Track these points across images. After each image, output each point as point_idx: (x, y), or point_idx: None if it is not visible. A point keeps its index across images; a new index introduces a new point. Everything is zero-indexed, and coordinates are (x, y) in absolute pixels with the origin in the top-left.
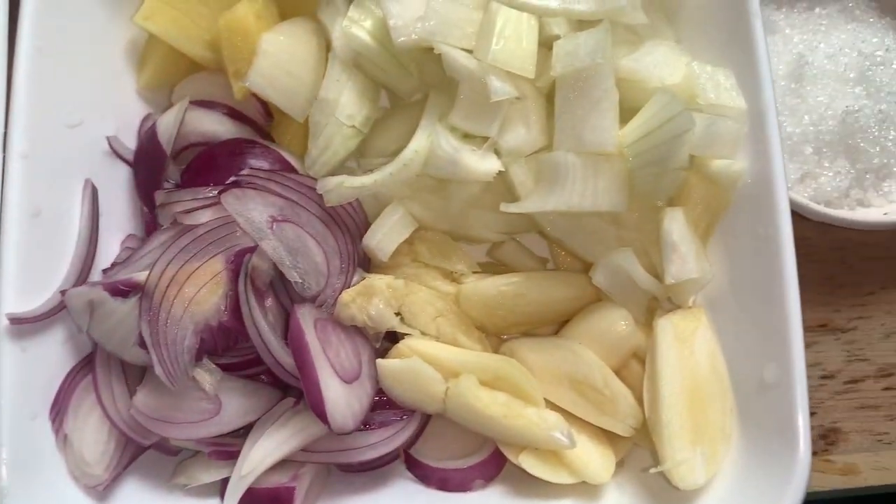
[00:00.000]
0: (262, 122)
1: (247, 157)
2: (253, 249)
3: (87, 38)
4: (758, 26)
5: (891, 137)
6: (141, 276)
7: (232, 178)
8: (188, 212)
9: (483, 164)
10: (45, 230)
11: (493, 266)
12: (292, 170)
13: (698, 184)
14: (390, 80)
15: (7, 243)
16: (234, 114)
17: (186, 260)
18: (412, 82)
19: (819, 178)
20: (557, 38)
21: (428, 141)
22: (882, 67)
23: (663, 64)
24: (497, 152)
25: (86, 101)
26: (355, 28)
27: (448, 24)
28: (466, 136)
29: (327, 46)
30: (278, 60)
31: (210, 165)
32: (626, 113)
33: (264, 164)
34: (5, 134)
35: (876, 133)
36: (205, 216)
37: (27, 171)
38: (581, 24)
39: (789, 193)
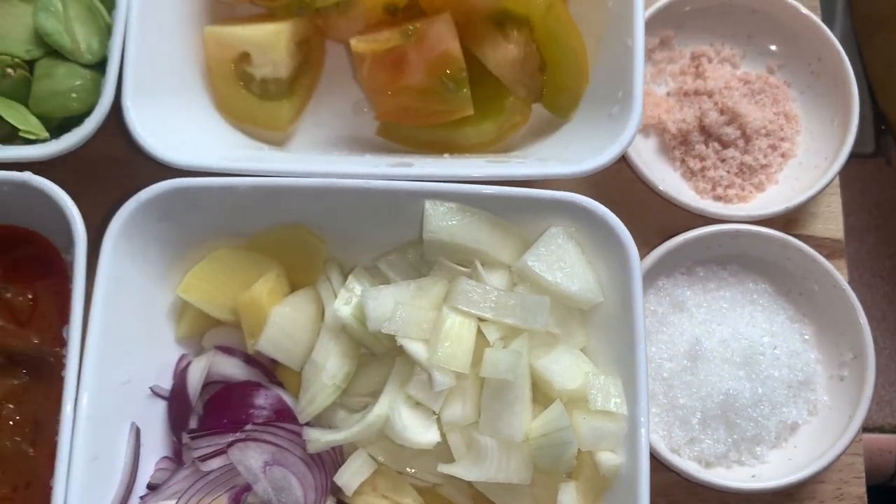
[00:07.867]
0: (270, 367)
1: (253, 398)
2: (250, 489)
3: (140, 309)
4: (641, 348)
5: (764, 413)
6: None
7: (236, 436)
8: (203, 458)
9: (426, 435)
10: (100, 469)
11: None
12: (288, 412)
13: (591, 465)
14: (368, 344)
15: (72, 485)
16: (248, 360)
17: (201, 498)
18: (385, 347)
19: (702, 444)
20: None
21: (388, 408)
22: (762, 357)
23: (566, 372)
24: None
25: (136, 360)
26: (342, 310)
27: (408, 324)
28: (419, 404)
29: (322, 312)
30: (283, 328)
31: (225, 405)
32: (543, 398)
33: (265, 406)
34: (76, 400)
35: (751, 412)
36: (216, 462)
37: (90, 427)
38: (510, 329)
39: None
